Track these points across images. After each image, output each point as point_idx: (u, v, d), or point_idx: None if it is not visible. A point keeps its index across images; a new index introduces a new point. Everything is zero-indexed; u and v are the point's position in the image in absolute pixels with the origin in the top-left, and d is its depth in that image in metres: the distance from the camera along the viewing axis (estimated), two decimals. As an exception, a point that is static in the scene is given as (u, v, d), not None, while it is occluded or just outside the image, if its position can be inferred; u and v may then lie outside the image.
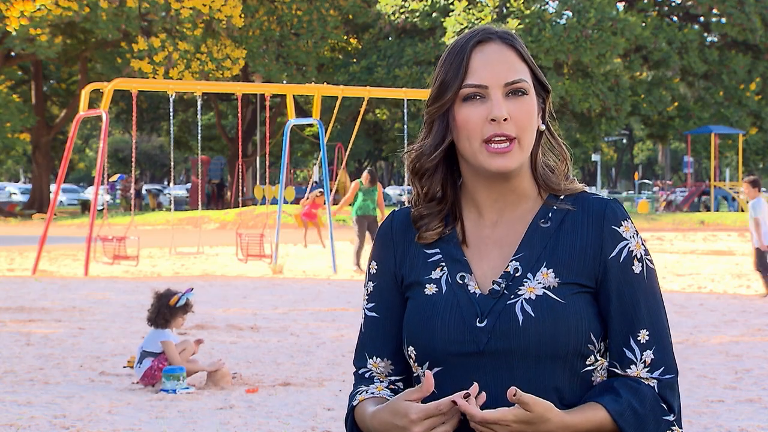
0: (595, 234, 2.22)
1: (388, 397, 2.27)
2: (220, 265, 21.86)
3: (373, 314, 2.33)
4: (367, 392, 2.29)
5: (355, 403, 2.28)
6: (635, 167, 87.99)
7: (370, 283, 2.34)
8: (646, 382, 2.20)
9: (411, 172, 2.32)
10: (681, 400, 2.26)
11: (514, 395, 2.04)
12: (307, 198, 25.28)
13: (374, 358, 2.33)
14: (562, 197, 2.26)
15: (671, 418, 2.20)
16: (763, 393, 8.40)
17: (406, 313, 2.27)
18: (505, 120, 2.17)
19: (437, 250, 2.28)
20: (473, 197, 2.27)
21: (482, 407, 2.09)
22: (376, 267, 2.34)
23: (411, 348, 2.24)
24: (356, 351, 2.37)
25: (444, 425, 2.09)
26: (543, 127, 2.27)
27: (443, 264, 2.26)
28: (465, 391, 2.07)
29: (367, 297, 2.35)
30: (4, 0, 42.18)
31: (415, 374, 2.29)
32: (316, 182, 24.45)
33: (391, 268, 2.32)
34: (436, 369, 2.21)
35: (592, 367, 2.21)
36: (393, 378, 2.33)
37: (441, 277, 2.25)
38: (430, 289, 2.25)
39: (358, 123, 25.35)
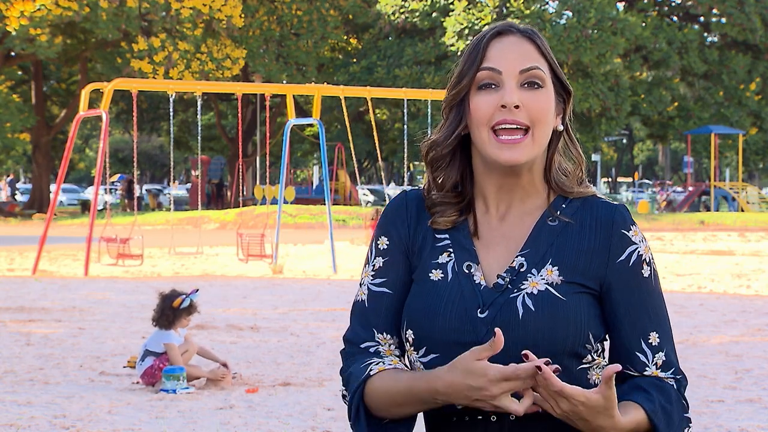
0: (603, 237, 2.22)
1: (407, 369, 2.24)
2: (220, 265, 21.87)
3: (383, 290, 2.28)
4: (383, 363, 2.23)
5: (373, 373, 2.21)
6: (635, 167, 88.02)
7: (379, 259, 2.30)
8: (667, 381, 2.23)
9: (425, 161, 2.30)
10: None
11: (609, 378, 2.03)
12: (370, 219, 24.81)
13: (384, 333, 2.28)
14: (571, 198, 2.26)
15: (689, 415, 2.25)
16: (763, 393, 8.40)
17: (410, 296, 2.26)
18: (516, 107, 2.16)
19: (446, 235, 2.27)
20: (482, 190, 2.27)
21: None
22: (387, 242, 2.30)
23: (410, 332, 2.23)
24: (357, 325, 2.30)
25: (525, 399, 2.06)
26: (561, 128, 2.26)
27: (451, 250, 2.26)
28: (545, 359, 2.05)
29: (373, 273, 2.30)
30: (4, 0, 42.18)
31: (409, 357, 2.27)
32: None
33: (405, 241, 2.29)
34: (432, 355, 2.20)
35: (587, 365, 2.21)
36: (398, 354, 2.29)
37: (448, 263, 2.24)
38: (436, 274, 2.24)
39: (375, 129, 25.34)
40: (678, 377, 2.24)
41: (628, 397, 2.18)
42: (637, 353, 2.22)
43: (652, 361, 2.22)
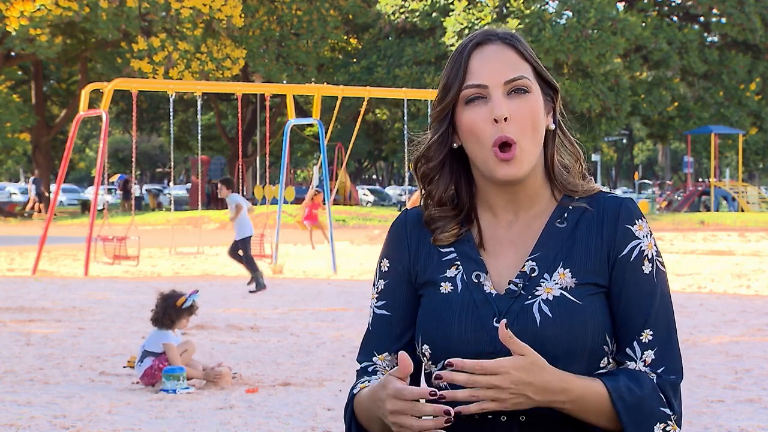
0: (609, 232, 2.21)
1: None
2: (220, 265, 21.86)
3: (384, 312, 2.30)
4: (369, 381, 2.26)
5: (356, 392, 2.25)
6: (635, 167, 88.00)
7: (381, 281, 2.32)
8: (646, 373, 2.18)
9: (416, 176, 2.30)
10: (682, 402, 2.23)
11: (504, 335, 2.02)
12: (309, 200, 25.19)
13: (383, 354, 2.30)
14: (577, 197, 2.25)
15: (669, 412, 2.17)
16: (763, 393, 8.40)
17: (421, 311, 2.26)
18: (506, 119, 2.16)
19: (452, 249, 2.26)
20: (487, 200, 2.26)
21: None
22: (388, 264, 2.31)
23: (426, 346, 2.23)
24: (362, 349, 2.34)
25: (416, 419, 2.02)
26: (553, 126, 2.25)
27: (458, 263, 2.25)
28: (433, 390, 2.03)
29: (377, 295, 2.32)
30: (4, 0, 42.17)
31: (427, 371, 2.27)
32: (318, 189, 24.42)
33: (405, 264, 2.29)
34: (450, 368, 2.20)
35: (605, 370, 2.20)
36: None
37: (456, 275, 2.24)
38: (446, 287, 2.23)
39: (358, 124, 25.35)
40: (666, 376, 2.18)
41: (594, 375, 2.16)
42: (627, 349, 2.20)
43: (640, 357, 2.19)
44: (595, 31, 46.38)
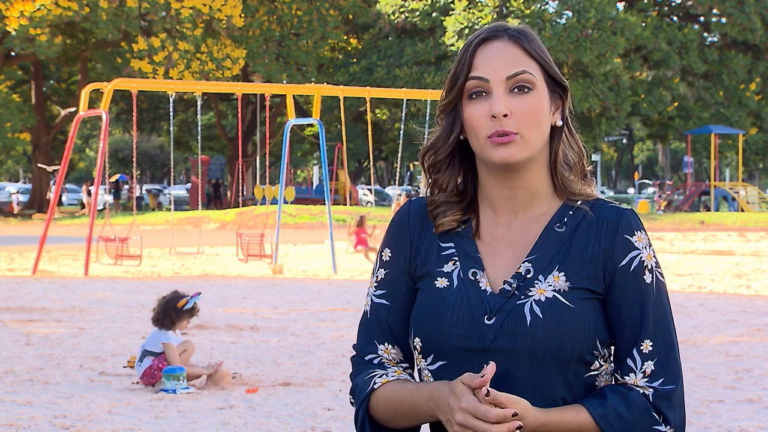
0: (607, 242, 2.21)
1: (411, 380, 2.27)
2: (220, 265, 21.86)
3: (383, 302, 2.31)
4: (387, 375, 2.26)
5: (376, 386, 2.24)
6: (635, 167, 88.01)
7: (381, 270, 2.32)
8: (641, 391, 2.18)
9: (422, 166, 2.32)
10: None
11: (487, 395, 2.04)
12: (356, 226, 24.86)
13: (385, 344, 2.30)
14: (579, 202, 2.25)
15: (663, 428, 2.18)
16: (763, 393, 8.40)
17: (416, 304, 2.27)
18: (505, 116, 2.17)
19: (451, 244, 2.28)
20: (487, 194, 2.27)
21: None
22: (389, 254, 2.32)
23: (417, 339, 2.24)
24: (362, 337, 2.33)
25: None
26: (559, 123, 2.25)
27: (456, 258, 2.26)
28: (512, 412, 2.06)
29: (376, 284, 2.33)
30: (4, 0, 42.17)
31: (418, 366, 2.28)
32: (362, 215, 24.05)
33: (406, 255, 2.31)
34: (440, 363, 2.20)
35: (596, 372, 2.20)
36: (403, 365, 2.31)
37: (453, 271, 2.25)
38: (441, 282, 2.24)
39: (371, 132, 25.33)
40: (663, 388, 2.18)
41: (582, 401, 2.17)
42: (627, 359, 2.20)
43: (640, 368, 2.19)
44: (595, 31, 46.38)
